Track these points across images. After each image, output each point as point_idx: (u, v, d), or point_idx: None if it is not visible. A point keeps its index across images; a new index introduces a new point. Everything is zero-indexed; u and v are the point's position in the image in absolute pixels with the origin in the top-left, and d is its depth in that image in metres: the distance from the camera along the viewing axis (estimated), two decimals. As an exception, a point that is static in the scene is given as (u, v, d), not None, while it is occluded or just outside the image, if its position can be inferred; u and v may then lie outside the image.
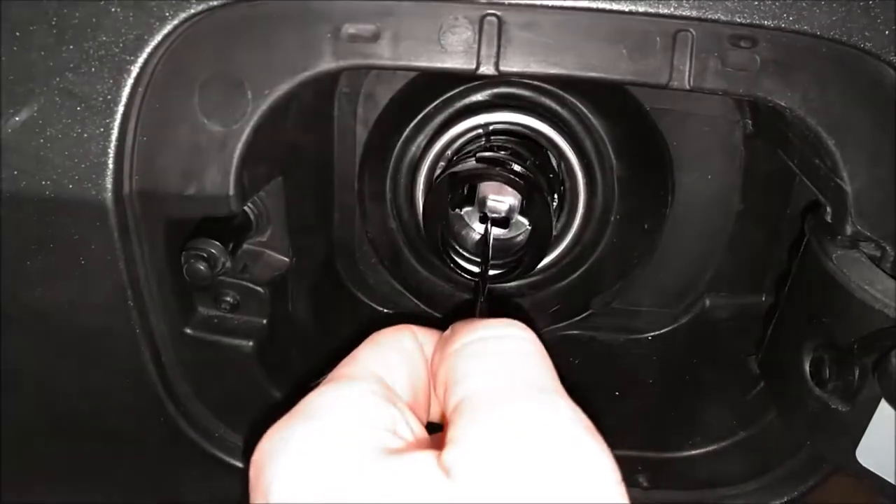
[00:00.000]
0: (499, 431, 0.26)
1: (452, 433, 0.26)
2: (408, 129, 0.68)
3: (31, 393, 0.58)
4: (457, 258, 0.63)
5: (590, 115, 0.67)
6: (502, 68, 0.47)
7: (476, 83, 0.65)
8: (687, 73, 0.46)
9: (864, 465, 0.48)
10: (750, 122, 0.62)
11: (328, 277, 0.71)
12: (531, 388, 0.28)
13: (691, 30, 0.45)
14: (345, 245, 0.72)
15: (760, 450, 0.60)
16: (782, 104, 0.46)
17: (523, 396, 0.27)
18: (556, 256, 0.70)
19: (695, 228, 0.68)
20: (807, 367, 0.50)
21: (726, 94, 0.47)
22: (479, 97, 0.68)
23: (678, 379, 0.67)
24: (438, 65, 0.47)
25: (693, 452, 0.61)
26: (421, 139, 0.68)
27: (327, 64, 0.47)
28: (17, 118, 0.46)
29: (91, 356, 0.55)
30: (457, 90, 0.67)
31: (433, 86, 0.66)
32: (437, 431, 0.31)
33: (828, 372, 0.48)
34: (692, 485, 0.60)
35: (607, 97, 0.65)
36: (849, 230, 0.48)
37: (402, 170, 0.69)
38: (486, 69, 0.47)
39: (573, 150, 0.66)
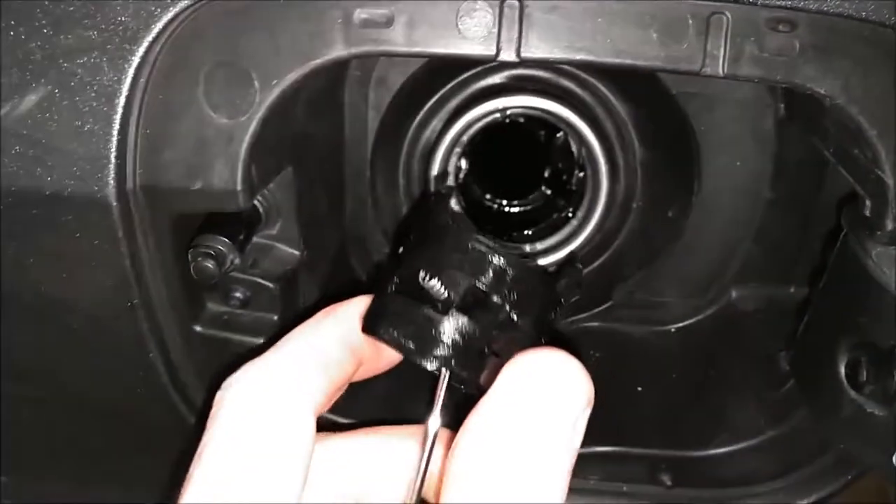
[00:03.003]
0: None
1: None
2: (421, 114, 0.65)
3: (38, 393, 0.56)
4: None
5: (612, 98, 0.64)
6: (524, 54, 0.44)
7: (493, 64, 0.63)
8: (721, 59, 0.43)
9: (901, 470, 0.46)
10: (783, 106, 0.59)
11: (341, 271, 0.69)
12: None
13: (726, 13, 0.42)
14: (357, 236, 0.70)
15: (788, 448, 0.58)
16: (822, 92, 0.43)
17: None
18: (578, 245, 0.67)
19: (722, 216, 0.65)
20: (842, 368, 0.48)
21: (763, 81, 0.44)
22: (496, 79, 0.65)
23: (703, 373, 0.65)
24: (456, 51, 0.44)
25: (719, 451, 0.59)
26: (435, 123, 0.66)
27: (338, 51, 0.44)
28: (15, 111, 0.44)
29: (99, 356, 0.54)
30: (472, 72, 0.64)
31: (448, 68, 0.63)
32: None
33: (865, 374, 0.46)
34: (717, 483, 0.58)
35: (631, 80, 0.62)
36: (889, 225, 0.45)
37: (415, 156, 0.66)
38: (507, 55, 0.44)
39: (594, 134, 0.63)
